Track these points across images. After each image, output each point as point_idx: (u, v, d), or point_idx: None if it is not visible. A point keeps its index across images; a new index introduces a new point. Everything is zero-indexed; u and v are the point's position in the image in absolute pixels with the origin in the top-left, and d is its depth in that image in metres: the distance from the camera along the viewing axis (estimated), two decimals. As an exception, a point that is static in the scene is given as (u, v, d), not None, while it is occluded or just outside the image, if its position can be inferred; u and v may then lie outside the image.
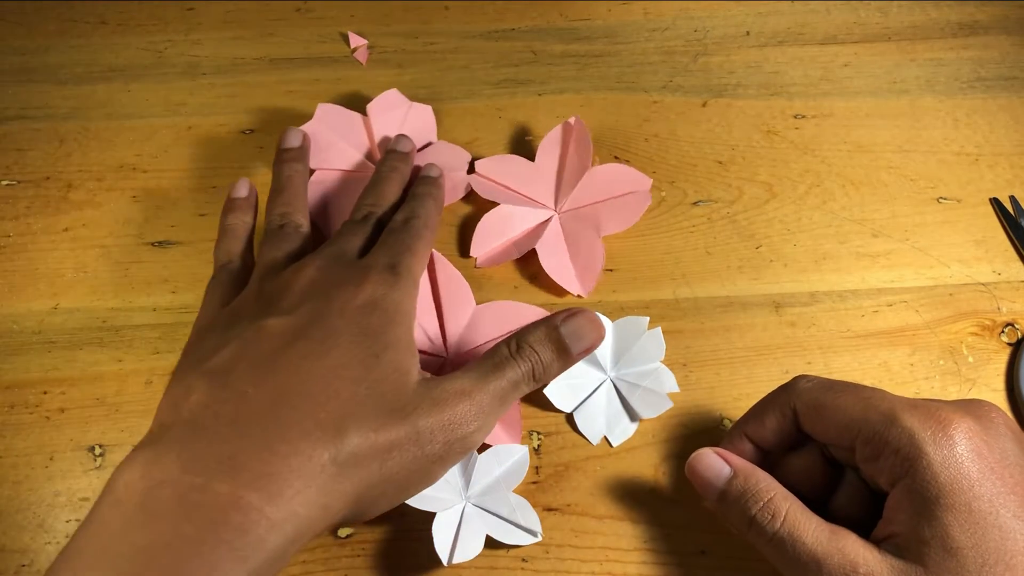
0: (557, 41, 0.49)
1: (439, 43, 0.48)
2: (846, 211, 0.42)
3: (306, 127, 0.42)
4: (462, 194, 0.42)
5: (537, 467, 0.35)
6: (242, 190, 0.39)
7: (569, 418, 0.36)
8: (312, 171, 0.42)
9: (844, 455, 0.29)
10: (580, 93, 0.46)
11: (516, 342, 0.31)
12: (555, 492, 0.34)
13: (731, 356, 0.38)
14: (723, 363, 0.37)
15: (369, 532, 0.33)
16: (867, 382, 0.30)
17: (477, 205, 0.42)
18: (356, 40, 0.48)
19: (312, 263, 0.33)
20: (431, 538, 0.31)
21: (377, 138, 0.43)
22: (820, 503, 0.29)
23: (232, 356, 0.29)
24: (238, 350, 0.29)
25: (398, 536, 0.33)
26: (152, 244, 0.41)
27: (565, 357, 0.32)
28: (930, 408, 0.27)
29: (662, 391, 0.36)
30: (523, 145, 0.44)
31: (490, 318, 0.37)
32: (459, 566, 0.32)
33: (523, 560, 0.33)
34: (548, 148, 0.42)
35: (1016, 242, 0.41)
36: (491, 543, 0.32)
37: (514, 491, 0.33)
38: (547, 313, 0.35)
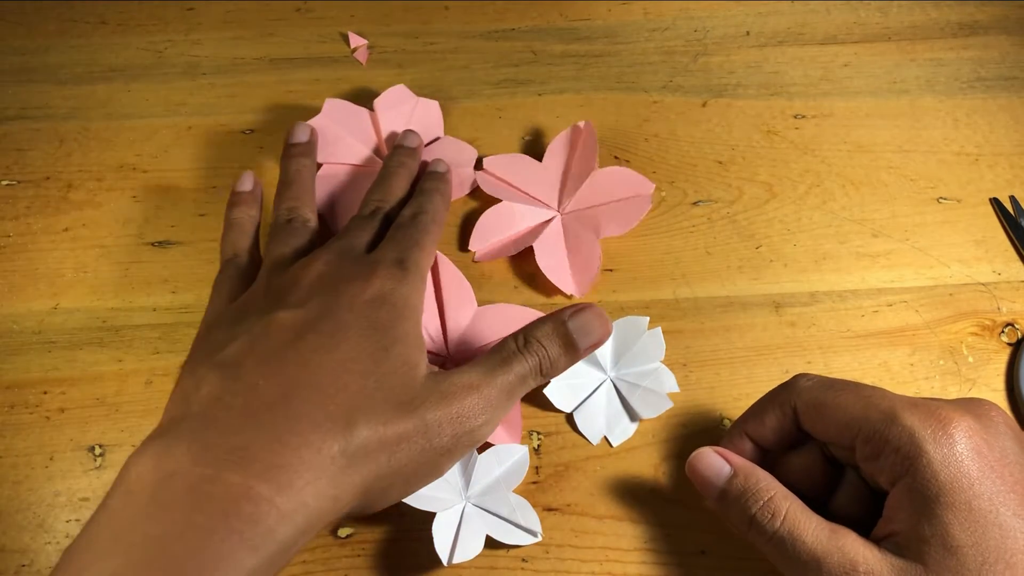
0: (557, 41, 0.49)
1: (439, 43, 0.48)
2: (846, 211, 0.42)
3: (313, 122, 0.42)
4: (467, 190, 0.42)
5: (537, 467, 0.35)
6: (247, 184, 0.39)
7: (569, 418, 0.36)
8: (319, 166, 0.42)
9: (844, 454, 0.29)
10: (580, 93, 0.46)
11: (524, 337, 0.32)
12: (555, 492, 0.34)
13: (731, 356, 0.38)
14: (723, 363, 0.37)
15: (369, 532, 0.33)
16: (867, 382, 0.30)
17: (482, 201, 0.42)
18: (356, 40, 0.48)
19: (320, 258, 0.33)
20: (431, 538, 0.31)
21: (384, 133, 0.43)
22: (820, 502, 0.29)
23: (242, 349, 0.29)
24: (248, 343, 0.30)
25: (398, 536, 0.33)
26: (152, 244, 0.41)
27: (572, 352, 0.32)
28: (930, 407, 0.27)
29: (662, 391, 0.36)
30: (522, 145, 0.44)
31: (491, 320, 0.37)
32: (459, 566, 0.32)
33: (523, 560, 0.33)
34: (556, 150, 0.42)
35: (1016, 242, 0.41)
36: (491, 543, 0.32)
37: (514, 491, 0.33)
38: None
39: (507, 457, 0.33)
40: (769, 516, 0.27)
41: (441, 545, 0.31)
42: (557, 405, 0.35)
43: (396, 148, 0.41)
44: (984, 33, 0.49)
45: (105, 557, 0.24)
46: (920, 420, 0.26)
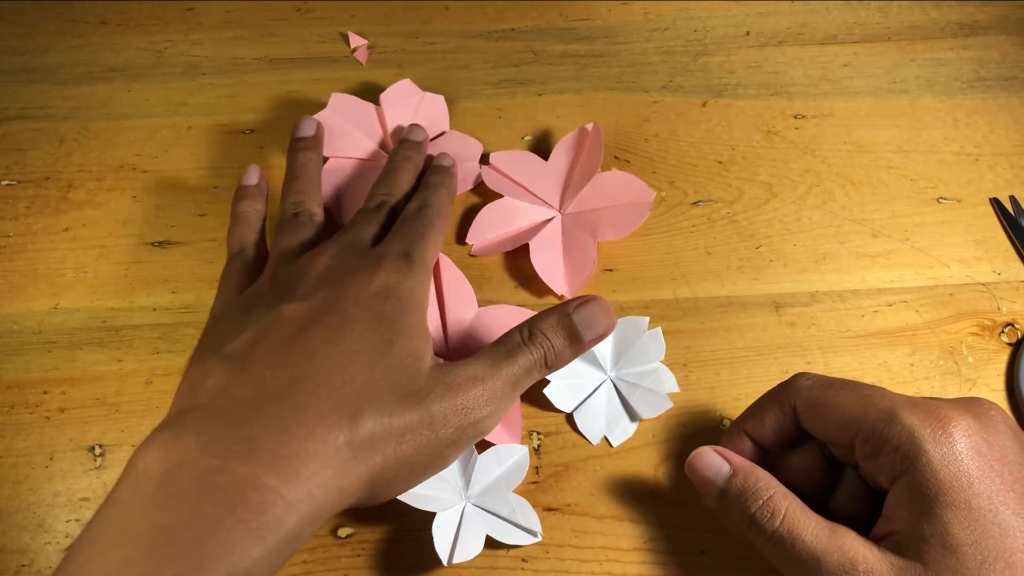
0: (557, 41, 0.49)
1: (439, 43, 0.48)
2: (846, 211, 0.42)
3: (320, 116, 0.42)
4: (471, 185, 0.42)
5: (537, 467, 0.35)
6: (252, 177, 0.40)
7: (569, 418, 0.36)
8: (326, 159, 0.42)
9: (844, 453, 0.29)
10: (580, 93, 0.46)
11: (528, 329, 0.32)
12: (555, 492, 0.34)
13: (731, 356, 0.38)
14: (723, 363, 0.37)
15: (369, 532, 0.33)
16: (867, 382, 0.30)
17: (485, 196, 0.42)
18: (356, 40, 0.48)
19: (326, 251, 0.33)
20: (431, 538, 0.31)
21: (390, 127, 0.43)
22: (820, 501, 0.29)
23: (249, 341, 0.30)
24: (255, 335, 0.30)
25: (398, 536, 0.33)
26: (152, 244, 0.41)
27: (577, 344, 0.32)
28: (930, 406, 0.27)
29: (662, 391, 0.36)
30: (522, 145, 0.44)
31: (491, 321, 0.38)
32: (459, 566, 0.32)
33: (523, 560, 0.33)
34: (563, 150, 0.42)
35: (1016, 242, 0.41)
36: (491, 543, 0.32)
37: (514, 491, 0.33)
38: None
39: (507, 457, 0.33)
40: (768, 515, 0.27)
41: (441, 545, 0.31)
42: (557, 405, 0.35)
43: (402, 142, 0.41)
44: (984, 33, 0.49)
45: (113, 546, 0.24)
46: (920, 419, 0.26)
